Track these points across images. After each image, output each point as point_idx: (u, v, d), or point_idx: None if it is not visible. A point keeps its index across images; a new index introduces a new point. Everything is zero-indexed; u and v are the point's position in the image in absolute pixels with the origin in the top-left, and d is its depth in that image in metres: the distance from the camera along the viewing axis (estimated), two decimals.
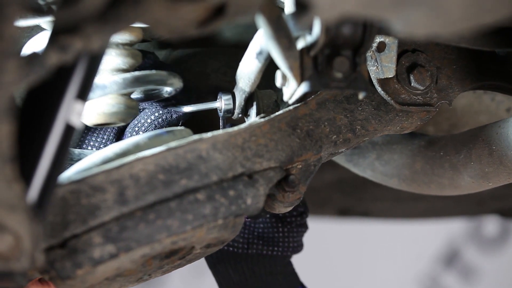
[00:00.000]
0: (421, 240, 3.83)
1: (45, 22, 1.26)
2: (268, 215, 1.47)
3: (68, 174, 1.15)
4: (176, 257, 1.23)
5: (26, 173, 0.97)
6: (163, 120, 1.39)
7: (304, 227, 1.50)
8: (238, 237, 1.46)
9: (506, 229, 3.87)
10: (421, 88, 1.31)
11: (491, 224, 3.87)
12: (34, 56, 0.91)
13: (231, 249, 1.46)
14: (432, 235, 3.82)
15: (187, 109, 1.39)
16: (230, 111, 1.35)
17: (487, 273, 3.86)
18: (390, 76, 1.29)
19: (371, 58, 1.28)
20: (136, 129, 1.38)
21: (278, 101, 1.33)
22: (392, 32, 1.04)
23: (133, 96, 1.38)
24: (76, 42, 0.92)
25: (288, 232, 1.47)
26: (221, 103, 1.35)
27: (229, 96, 1.35)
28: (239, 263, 1.46)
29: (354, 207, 2.32)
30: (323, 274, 3.61)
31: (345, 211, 2.34)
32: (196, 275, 3.61)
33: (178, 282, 3.66)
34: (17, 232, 0.94)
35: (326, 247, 3.69)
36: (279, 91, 1.20)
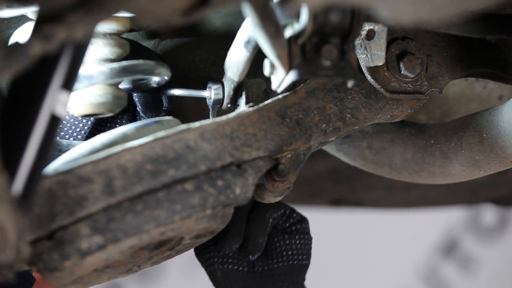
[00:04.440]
0: (419, 230, 3.82)
1: (31, 12, 1.26)
2: (268, 227, 1.41)
3: (55, 165, 1.14)
4: (165, 248, 1.23)
5: (10, 165, 0.96)
6: None
7: (307, 235, 1.43)
8: (242, 254, 1.40)
9: (504, 218, 3.87)
10: (411, 76, 1.31)
11: (489, 213, 3.87)
12: (16, 46, 0.91)
13: (235, 267, 1.39)
14: (430, 225, 3.81)
15: (176, 92, 1.39)
16: (219, 101, 1.35)
17: (486, 262, 3.86)
18: (379, 64, 1.29)
19: (361, 46, 1.28)
20: None
21: (267, 90, 1.33)
22: (379, 19, 1.04)
23: (121, 86, 1.37)
24: (60, 31, 0.91)
25: (289, 239, 1.41)
26: (211, 92, 1.35)
27: (219, 86, 1.34)
28: (248, 284, 1.40)
29: (347, 197, 2.32)
30: (318, 265, 3.60)
31: (338, 201, 2.33)
32: (193, 267, 3.61)
33: (175, 273, 3.65)
34: (1, 224, 0.94)
35: (321, 237, 3.69)
36: (269, 80, 1.20)
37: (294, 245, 1.41)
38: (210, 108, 1.36)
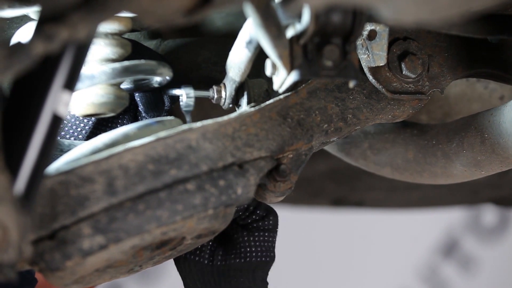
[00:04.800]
0: (420, 230, 3.83)
1: (33, 12, 1.26)
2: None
3: (57, 165, 1.14)
4: (167, 247, 1.23)
5: (12, 164, 0.96)
6: None
7: (269, 232, 1.43)
8: (205, 245, 1.41)
9: (505, 218, 3.87)
10: (413, 76, 1.31)
11: (489, 214, 3.87)
12: (19, 46, 0.91)
13: (197, 258, 1.41)
14: (430, 225, 3.82)
15: (178, 92, 1.39)
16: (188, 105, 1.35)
17: (486, 263, 3.86)
18: (381, 64, 1.29)
19: (362, 46, 1.28)
20: None
21: (269, 91, 1.33)
22: (381, 20, 1.04)
23: (122, 86, 1.37)
24: (62, 31, 0.91)
25: (247, 236, 1.41)
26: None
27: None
28: (206, 276, 1.41)
29: (348, 197, 2.32)
30: (319, 265, 3.60)
31: (339, 201, 2.33)
32: None
33: (175, 273, 3.66)
34: (3, 223, 0.94)
35: (322, 238, 3.69)
36: (271, 81, 1.20)
37: (253, 242, 1.41)
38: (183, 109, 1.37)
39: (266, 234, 1.43)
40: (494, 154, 1.32)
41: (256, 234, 1.42)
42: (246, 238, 1.41)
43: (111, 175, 1.11)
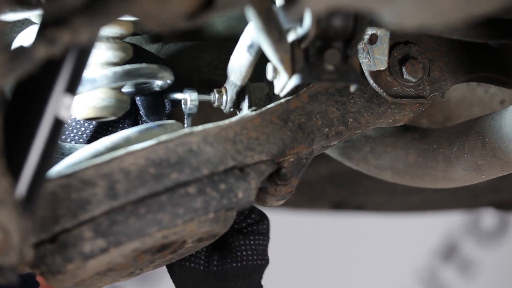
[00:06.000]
0: (419, 234, 3.83)
1: (35, 16, 1.26)
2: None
3: (58, 168, 1.14)
4: (167, 251, 1.23)
5: (14, 167, 0.96)
6: None
7: (263, 235, 1.43)
8: (199, 251, 1.40)
9: (504, 222, 3.87)
10: (414, 80, 1.31)
11: (489, 217, 3.87)
12: (21, 49, 0.91)
13: (192, 265, 1.40)
14: (430, 229, 3.82)
15: (180, 96, 1.39)
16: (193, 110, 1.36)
17: (485, 266, 3.86)
18: (382, 69, 1.29)
19: (363, 50, 1.28)
20: None
21: (270, 94, 1.33)
22: (382, 24, 1.04)
23: (124, 89, 1.38)
24: (64, 34, 0.92)
25: (243, 239, 1.41)
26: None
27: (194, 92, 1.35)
28: (202, 282, 1.40)
29: (349, 201, 2.32)
30: (319, 268, 3.60)
31: (339, 204, 2.33)
32: None
33: None
34: (5, 226, 0.94)
35: (322, 241, 3.69)
36: (272, 85, 1.20)
37: (249, 246, 1.41)
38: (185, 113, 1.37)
39: (261, 237, 1.43)
40: (495, 158, 1.32)
41: (252, 237, 1.42)
42: (242, 242, 1.41)
43: (112, 179, 1.11)
